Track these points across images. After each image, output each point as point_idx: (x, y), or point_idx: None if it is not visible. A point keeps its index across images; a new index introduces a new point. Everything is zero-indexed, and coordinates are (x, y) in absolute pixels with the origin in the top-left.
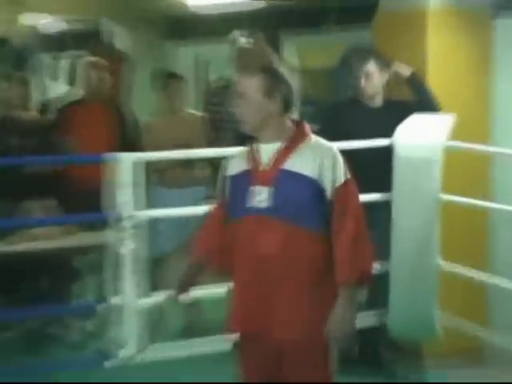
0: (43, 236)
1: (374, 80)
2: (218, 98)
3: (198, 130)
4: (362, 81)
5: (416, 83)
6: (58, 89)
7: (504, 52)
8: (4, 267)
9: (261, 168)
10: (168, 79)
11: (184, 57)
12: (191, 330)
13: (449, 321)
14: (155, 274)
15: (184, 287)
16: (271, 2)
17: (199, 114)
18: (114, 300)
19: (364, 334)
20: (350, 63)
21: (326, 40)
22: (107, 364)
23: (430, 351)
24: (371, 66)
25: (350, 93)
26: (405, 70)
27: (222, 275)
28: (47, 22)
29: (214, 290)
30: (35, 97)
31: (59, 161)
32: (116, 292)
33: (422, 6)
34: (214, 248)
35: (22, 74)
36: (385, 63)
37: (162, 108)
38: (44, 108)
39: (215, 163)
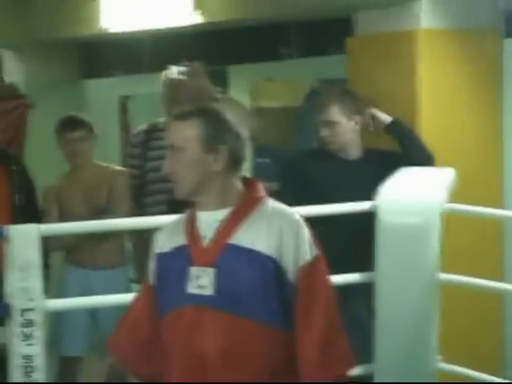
0: None
1: (339, 129)
2: (140, 149)
3: (114, 192)
4: (325, 130)
5: (399, 132)
6: None
7: None
8: None
9: (201, 243)
10: (70, 127)
11: (106, 95)
12: None
13: None
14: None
15: None
16: (214, 22)
17: (117, 170)
18: None
19: None
20: (315, 104)
21: (287, 71)
22: None
23: None
24: (335, 114)
25: (317, 141)
26: (383, 117)
27: None
28: None
29: None
30: None
31: None
32: None
33: (410, 26)
34: (134, 350)
35: None
36: (355, 108)
37: (67, 165)
38: None
39: (142, 237)
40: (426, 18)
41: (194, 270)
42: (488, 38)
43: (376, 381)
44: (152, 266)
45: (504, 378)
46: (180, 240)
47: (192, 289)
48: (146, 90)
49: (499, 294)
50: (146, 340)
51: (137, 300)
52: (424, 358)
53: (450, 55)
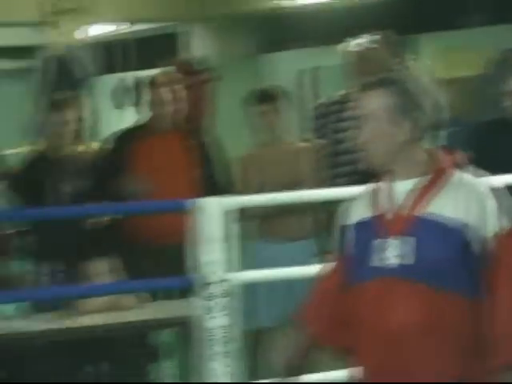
0: (108, 307)
1: None
2: (322, 120)
3: (306, 165)
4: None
5: None
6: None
7: None
8: (59, 348)
9: (391, 214)
10: (262, 100)
11: (284, 69)
12: None
13: None
14: (254, 354)
15: (293, 372)
16: None
17: (307, 143)
18: None
19: None
20: (501, 73)
21: (471, 40)
22: None
23: None
24: None
25: (500, 111)
26: None
27: (339, 355)
28: (114, 32)
29: (330, 376)
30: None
31: (124, 210)
32: (203, 379)
33: None
34: (327, 322)
35: (76, 99)
36: None
37: (258, 138)
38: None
39: (330, 208)
40: None
41: (386, 241)
42: None
43: None
44: (339, 237)
45: None
46: (369, 211)
47: (383, 260)
48: (328, 62)
49: None
50: (336, 311)
51: (326, 271)
52: None
53: None
